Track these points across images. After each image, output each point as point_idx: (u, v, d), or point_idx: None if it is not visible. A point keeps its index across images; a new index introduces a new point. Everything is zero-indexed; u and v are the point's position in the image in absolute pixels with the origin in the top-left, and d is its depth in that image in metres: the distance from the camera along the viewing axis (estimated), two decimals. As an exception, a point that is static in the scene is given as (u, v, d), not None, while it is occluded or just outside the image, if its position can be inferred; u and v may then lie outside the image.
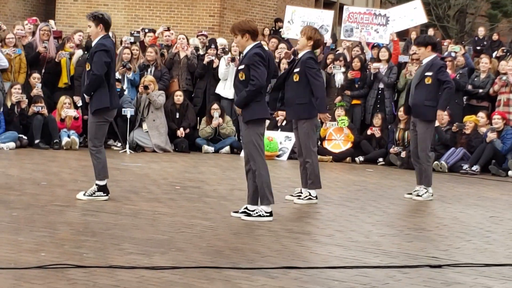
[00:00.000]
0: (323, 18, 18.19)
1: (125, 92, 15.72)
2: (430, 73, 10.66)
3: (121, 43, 17.34)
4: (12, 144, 14.30)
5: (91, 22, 9.34)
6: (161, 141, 15.38)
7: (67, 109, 15.10)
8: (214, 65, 16.42)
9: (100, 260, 6.27)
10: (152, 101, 15.39)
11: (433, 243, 7.76)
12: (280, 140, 15.49)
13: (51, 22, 19.08)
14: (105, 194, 9.27)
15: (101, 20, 9.33)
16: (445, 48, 19.09)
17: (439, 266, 6.70)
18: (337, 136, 15.55)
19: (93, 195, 9.22)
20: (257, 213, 8.50)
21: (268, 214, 8.51)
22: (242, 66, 8.56)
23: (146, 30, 18.26)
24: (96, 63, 9.20)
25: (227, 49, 16.72)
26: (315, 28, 10.40)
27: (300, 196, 10.02)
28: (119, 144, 15.31)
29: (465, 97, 16.02)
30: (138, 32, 18.35)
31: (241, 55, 8.92)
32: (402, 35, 23.30)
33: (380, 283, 6.05)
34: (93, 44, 9.47)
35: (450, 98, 11.25)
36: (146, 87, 15.38)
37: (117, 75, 15.87)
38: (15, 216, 8.02)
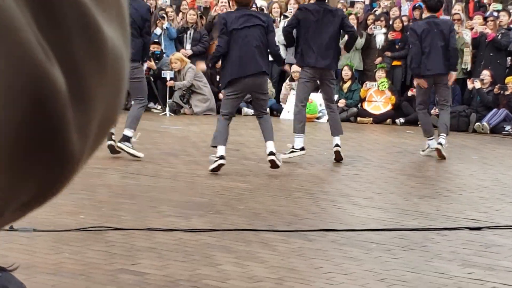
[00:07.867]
0: None
1: (164, 55, 15.73)
2: None
3: (155, 8, 17.28)
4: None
5: None
6: (203, 109, 15.38)
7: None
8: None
9: (138, 222, 6.31)
10: (179, 89, 15.27)
11: (473, 205, 7.68)
12: (320, 102, 15.37)
13: None
14: None
15: None
16: (488, 8, 18.76)
17: (479, 229, 6.64)
18: (377, 97, 15.42)
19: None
20: None
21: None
22: None
23: None
24: None
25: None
26: None
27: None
28: (159, 107, 15.35)
29: (508, 58, 15.78)
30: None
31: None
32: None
33: (419, 245, 6.02)
34: None
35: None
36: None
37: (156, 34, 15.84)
38: (55, 179, 8.08)
